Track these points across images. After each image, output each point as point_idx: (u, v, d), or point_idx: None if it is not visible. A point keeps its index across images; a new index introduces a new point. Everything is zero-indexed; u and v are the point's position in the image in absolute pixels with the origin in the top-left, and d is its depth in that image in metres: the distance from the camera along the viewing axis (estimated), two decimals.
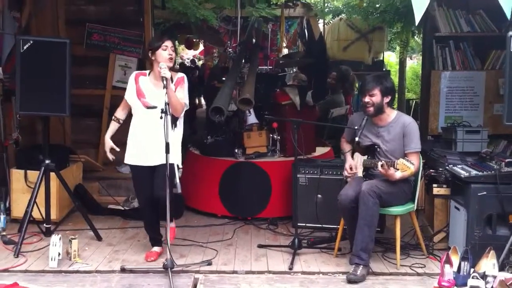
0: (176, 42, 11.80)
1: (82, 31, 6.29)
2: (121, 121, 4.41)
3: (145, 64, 5.92)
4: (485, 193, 4.13)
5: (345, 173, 4.43)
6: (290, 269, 4.20)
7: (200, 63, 16.79)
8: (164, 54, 4.14)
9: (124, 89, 4.39)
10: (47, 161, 4.70)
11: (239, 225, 5.28)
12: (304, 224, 5.02)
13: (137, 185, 4.40)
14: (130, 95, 4.28)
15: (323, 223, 4.95)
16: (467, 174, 4.24)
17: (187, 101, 4.29)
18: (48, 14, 6.23)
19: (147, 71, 4.36)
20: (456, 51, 5.96)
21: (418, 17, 3.59)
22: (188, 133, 7.76)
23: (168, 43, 4.18)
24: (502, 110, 4.13)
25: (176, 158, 4.17)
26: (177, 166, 4.14)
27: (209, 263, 4.26)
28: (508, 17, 3.59)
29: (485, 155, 4.68)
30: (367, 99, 4.26)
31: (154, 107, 4.07)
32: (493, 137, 5.76)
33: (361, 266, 4.00)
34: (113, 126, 4.40)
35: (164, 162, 3.91)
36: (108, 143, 4.31)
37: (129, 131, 4.32)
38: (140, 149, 4.23)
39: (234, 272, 4.18)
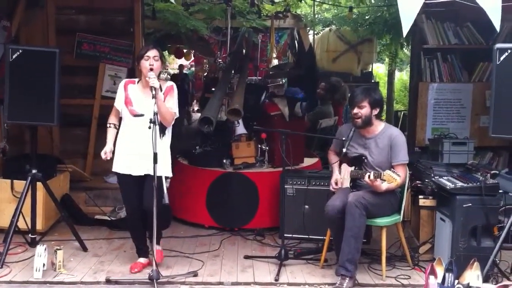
0: (166, 52, 11.79)
1: (72, 40, 6.29)
2: (117, 126, 4.34)
3: (135, 74, 5.92)
4: (470, 204, 4.16)
5: (331, 187, 4.46)
6: (276, 280, 4.19)
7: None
8: (145, 64, 4.13)
9: (114, 98, 4.38)
10: (34, 171, 4.67)
11: (226, 236, 5.27)
12: (291, 235, 5.02)
13: (124, 194, 4.40)
14: (119, 102, 4.28)
15: (310, 234, 4.95)
16: (453, 185, 4.27)
17: (177, 110, 4.30)
18: (38, 24, 6.23)
19: (136, 79, 4.36)
20: (444, 63, 6.04)
21: (405, 29, 3.63)
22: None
23: (151, 53, 4.14)
24: (488, 122, 4.16)
25: (165, 168, 4.18)
26: (165, 177, 4.14)
27: (195, 274, 4.25)
28: (498, 29, 3.63)
29: (471, 167, 4.72)
30: (356, 110, 4.29)
31: (141, 115, 4.07)
32: (479, 149, 5.83)
33: (347, 278, 4.00)
34: (112, 132, 4.32)
35: (152, 173, 3.91)
36: (110, 148, 4.27)
37: (117, 139, 4.32)
38: (127, 157, 4.23)
39: (220, 283, 4.17)
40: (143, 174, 4.16)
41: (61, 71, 4.55)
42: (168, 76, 4.33)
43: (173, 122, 4.28)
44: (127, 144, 4.23)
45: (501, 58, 3.98)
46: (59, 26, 6.30)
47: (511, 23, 5.69)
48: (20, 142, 6.05)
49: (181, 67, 14.01)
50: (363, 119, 4.28)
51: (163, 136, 4.21)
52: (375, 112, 4.32)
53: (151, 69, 4.09)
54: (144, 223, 4.29)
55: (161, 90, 4.17)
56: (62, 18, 6.33)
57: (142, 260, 4.43)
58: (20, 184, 4.86)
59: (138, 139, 4.13)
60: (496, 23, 3.56)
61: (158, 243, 4.37)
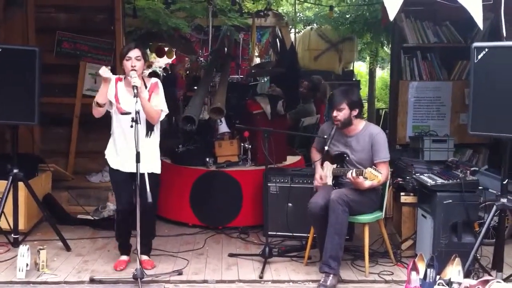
0: (148, 51, 11.72)
1: (52, 39, 6.24)
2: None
3: (116, 72, 5.88)
4: (450, 201, 4.22)
5: (315, 182, 4.50)
6: (261, 277, 4.22)
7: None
8: (127, 64, 4.12)
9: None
10: (15, 170, 4.62)
11: (210, 234, 5.28)
12: (274, 233, 5.06)
13: (116, 190, 4.42)
14: (111, 93, 4.22)
15: (294, 232, 4.98)
16: (433, 182, 4.33)
17: (164, 107, 4.28)
18: (17, 22, 6.16)
19: (123, 76, 4.32)
20: (423, 61, 6.10)
21: (392, 15, 3.65)
22: None
23: (132, 54, 4.11)
24: (467, 119, 4.22)
25: (154, 164, 4.23)
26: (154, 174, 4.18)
27: (179, 272, 4.26)
28: (481, 26, 3.68)
29: (451, 164, 4.79)
30: (335, 113, 4.34)
31: (128, 113, 4.06)
32: (459, 146, 5.91)
33: (331, 275, 4.04)
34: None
35: (142, 171, 3.90)
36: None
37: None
38: (118, 153, 4.26)
39: (205, 281, 4.18)
40: (132, 172, 4.13)
41: (41, 70, 4.52)
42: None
43: (161, 119, 4.28)
44: (119, 140, 4.24)
45: (479, 56, 4.01)
46: (39, 25, 6.24)
47: (489, 21, 5.77)
48: (0, 142, 5.99)
49: (172, 66, 13.43)
50: (342, 121, 4.33)
51: (151, 133, 4.24)
52: (355, 113, 4.36)
53: (133, 70, 4.09)
54: (132, 221, 4.26)
55: (146, 88, 4.18)
56: (42, 16, 6.27)
57: (125, 257, 4.44)
58: (1, 184, 4.79)
59: (128, 136, 4.10)
60: (479, 20, 3.61)
61: (148, 254, 4.43)
